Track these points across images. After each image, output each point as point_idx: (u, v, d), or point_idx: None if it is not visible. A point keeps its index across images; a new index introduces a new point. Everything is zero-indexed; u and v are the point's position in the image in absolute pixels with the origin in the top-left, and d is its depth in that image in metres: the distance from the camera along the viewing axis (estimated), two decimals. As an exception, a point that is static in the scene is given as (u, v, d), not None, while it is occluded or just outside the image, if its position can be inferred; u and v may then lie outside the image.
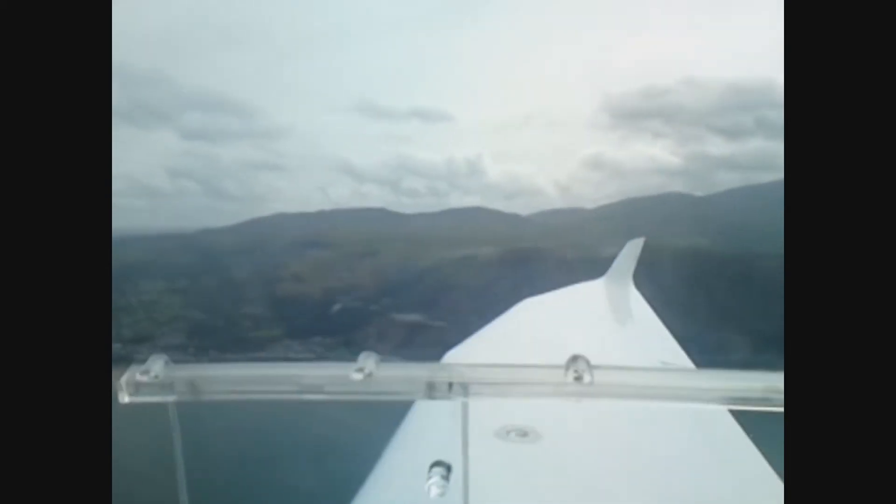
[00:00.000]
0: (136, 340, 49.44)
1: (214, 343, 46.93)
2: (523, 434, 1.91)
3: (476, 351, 3.32)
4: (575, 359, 0.94)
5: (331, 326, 47.24)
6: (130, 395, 0.96)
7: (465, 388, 0.95)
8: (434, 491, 1.00)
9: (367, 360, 0.95)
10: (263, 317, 49.92)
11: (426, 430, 1.97)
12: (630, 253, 6.57)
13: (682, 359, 3.51)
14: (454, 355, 3.13)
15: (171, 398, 0.97)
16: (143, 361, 0.98)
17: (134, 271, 59.12)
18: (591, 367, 0.93)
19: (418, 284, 49.19)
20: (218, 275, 57.80)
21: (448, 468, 1.04)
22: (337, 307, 49.62)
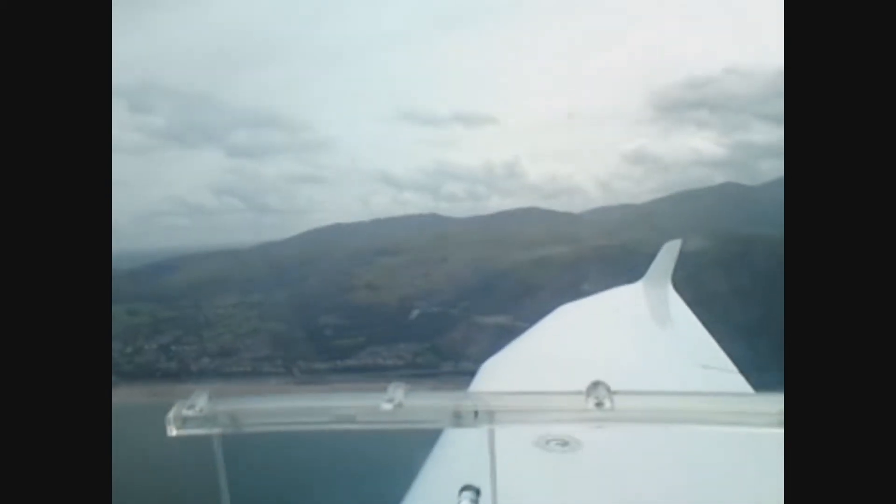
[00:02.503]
0: (222, 354, 50.16)
1: (300, 353, 47.53)
2: (563, 444, 1.90)
3: (515, 359, 3.30)
4: (595, 385, 0.97)
5: (413, 332, 47.48)
6: (178, 428, 1.01)
7: (490, 416, 0.99)
8: None
9: (396, 391, 1.00)
10: (343, 325, 50.42)
11: (457, 454, 1.96)
12: (668, 255, 6.24)
13: (722, 361, 3.45)
14: (493, 363, 3.14)
15: (215, 430, 1.01)
16: (188, 397, 1.03)
17: (204, 287, 60.27)
18: (611, 394, 0.96)
19: (497, 287, 49.11)
20: (288, 286, 58.58)
21: (477, 492, 1.07)
22: (416, 313, 49.84)
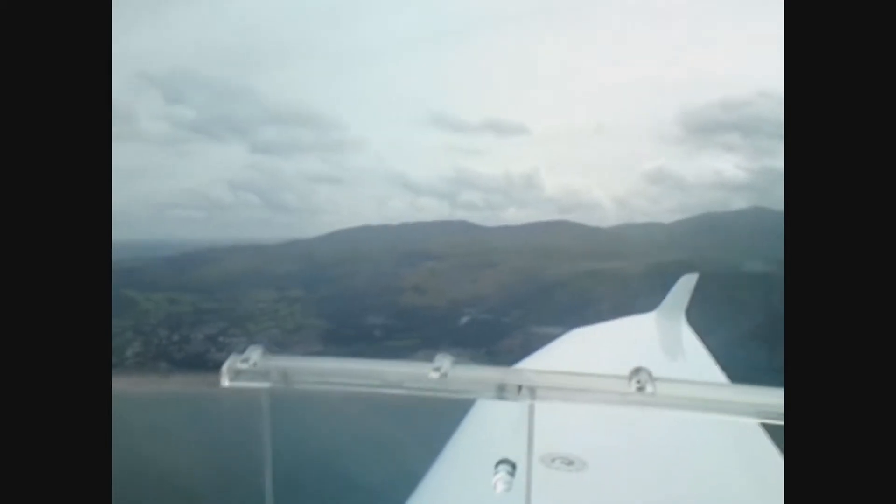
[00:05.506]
0: (273, 347, 49.74)
1: (352, 352, 47.38)
2: (569, 463, 1.90)
3: None
4: (638, 370, 1.00)
5: (467, 338, 47.17)
6: (231, 380, 1.03)
7: (532, 392, 1.02)
8: (500, 486, 1.06)
9: (444, 361, 1.04)
10: (392, 327, 50.31)
11: (487, 428, 2.02)
12: (683, 288, 6.23)
13: None
14: None
15: (265, 385, 1.04)
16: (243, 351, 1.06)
17: (239, 280, 59.88)
18: (653, 379, 0.99)
19: (551, 297, 48.97)
20: (328, 285, 58.28)
21: (513, 466, 1.09)
22: (465, 319, 49.58)
